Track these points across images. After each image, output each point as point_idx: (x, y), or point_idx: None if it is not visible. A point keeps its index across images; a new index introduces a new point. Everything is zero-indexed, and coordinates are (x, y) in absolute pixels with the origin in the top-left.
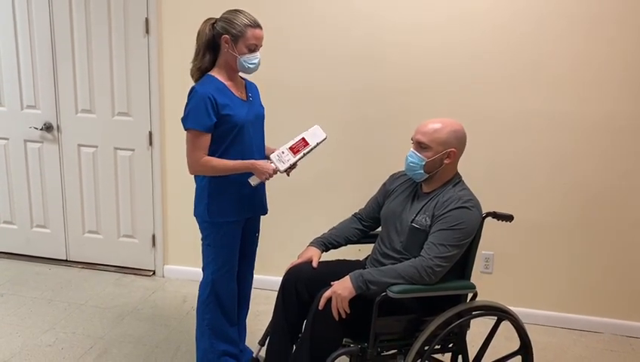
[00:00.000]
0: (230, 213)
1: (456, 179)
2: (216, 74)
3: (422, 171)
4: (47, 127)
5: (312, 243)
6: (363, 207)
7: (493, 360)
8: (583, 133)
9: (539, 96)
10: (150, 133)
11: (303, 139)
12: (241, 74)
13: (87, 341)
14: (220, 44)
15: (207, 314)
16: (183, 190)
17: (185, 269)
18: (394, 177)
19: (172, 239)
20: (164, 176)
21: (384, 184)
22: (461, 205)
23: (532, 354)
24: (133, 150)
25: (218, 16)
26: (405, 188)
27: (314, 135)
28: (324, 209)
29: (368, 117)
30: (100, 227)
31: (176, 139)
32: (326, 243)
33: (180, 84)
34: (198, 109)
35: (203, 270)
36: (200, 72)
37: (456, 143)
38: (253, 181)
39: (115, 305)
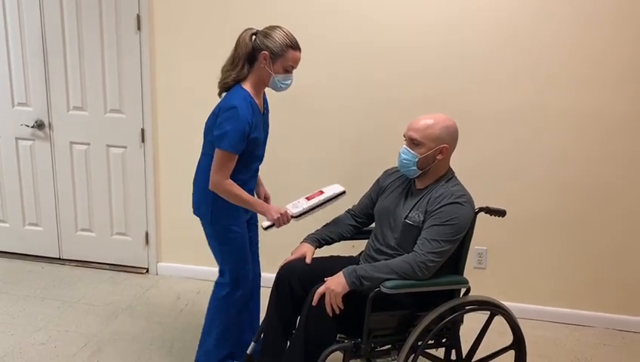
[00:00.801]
0: (234, 216)
1: (449, 175)
2: (248, 87)
3: (415, 168)
4: (39, 125)
5: (305, 240)
6: (357, 203)
7: (487, 354)
8: (577, 129)
9: (532, 92)
10: (142, 130)
11: (320, 190)
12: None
13: (81, 339)
14: (257, 58)
15: (221, 314)
16: (176, 187)
17: (179, 266)
18: (387, 173)
19: (165, 236)
20: (157, 173)
21: (377, 180)
22: (454, 201)
23: (525, 349)
24: (125, 147)
25: (259, 28)
26: (399, 185)
27: (331, 188)
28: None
29: (362, 114)
30: (93, 225)
31: (168, 135)
32: (319, 239)
33: (172, 80)
34: (237, 132)
35: (221, 272)
36: (235, 82)
37: (448, 139)
38: (265, 224)
39: (108, 302)
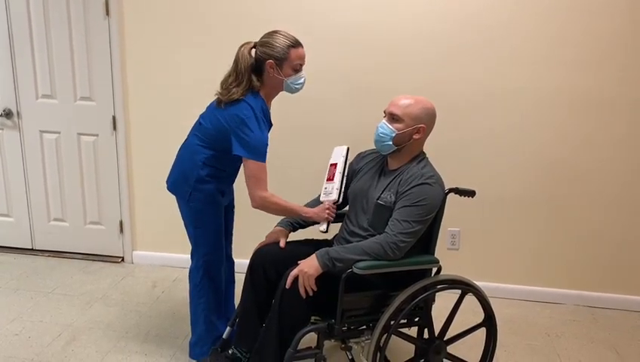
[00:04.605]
0: (212, 201)
1: (421, 157)
2: (264, 96)
3: (391, 143)
4: (7, 114)
5: (279, 224)
6: None
7: (459, 332)
8: (549, 112)
9: (505, 77)
10: (114, 118)
11: (331, 164)
12: None
13: (55, 328)
14: (264, 68)
15: (201, 299)
16: (150, 174)
17: (154, 255)
18: (360, 156)
19: (140, 225)
20: (130, 160)
21: (351, 164)
22: (423, 181)
23: (495, 325)
24: (96, 135)
25: (256, 40)
26: (372, 166)
27: (336, 154)
28: (291, 190)
29: (334, 97)
30: (66, 214)
31: (140, 122)
32: (293, 223)
33: (142, 66)
34: (263, 143)
35: (192, 255)
36: (243, 95)
37: (426, 120)
38: (322, 226)
39: (83, 292)
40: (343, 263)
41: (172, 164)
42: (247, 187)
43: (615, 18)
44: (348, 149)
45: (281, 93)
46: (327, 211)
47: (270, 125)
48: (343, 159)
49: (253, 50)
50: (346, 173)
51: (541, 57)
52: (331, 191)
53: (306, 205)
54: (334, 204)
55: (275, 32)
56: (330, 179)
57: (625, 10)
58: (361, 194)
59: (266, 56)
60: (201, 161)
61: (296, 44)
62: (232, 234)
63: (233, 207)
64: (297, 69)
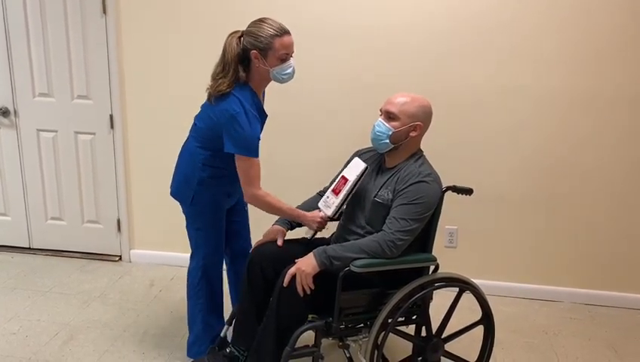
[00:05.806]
0: (215, 203)
1: (418, 155)
2: (253, 87)
3: (387, 141)
4: (4, 112)
5: (276, 222)
6: (327, 185)
7: (457, 330)
8: (549, 110)
9: (497, 71)
10: (111, 116)
11: (343, 177)
12: None
13: (53, 327)
14: (250, 58)
15: (199, 300)
16: (147, 173)
17: (152, 253)
18: (358, 154)
19: (138, 223)
20: (127, 159)
21: (348, 161)
22: (420, 179)
23: (493, 323)
24: (94, 134)
25: (244, 29)
26: (369, 165)
27: (352, 170)
28: (289, 188)
29: (331, 96)
30: (64, 213)
31: (137, 121)
32: (291, 221)
33: (139, 65)
34: (255, 137)
35: (191, 256)
36: (231, 87)
37: (423, 117)
38: (308, 233)
39: (80, 291)
40: (341, 261)
41: (174, 167)
42: (240, 183)
43: (615, 17)
44: (365, 169)
45: (278, 87)
46: (318, 224)
47: (265, 116)
48: (355, 178)
49: (241, 40)
50: (352, 193)
51: (541, 57)
52: (330, 206)
53: (302, 203)
54: (328, 218)
55: (262, 20)
56: (336, 192)
57: (625, 9)
58: (359, 191)
59: (251, 46)
60: (200, 162)
61: (281, 32)
62: (249, 232)
63: (245, 205)
64: (284, 59)
